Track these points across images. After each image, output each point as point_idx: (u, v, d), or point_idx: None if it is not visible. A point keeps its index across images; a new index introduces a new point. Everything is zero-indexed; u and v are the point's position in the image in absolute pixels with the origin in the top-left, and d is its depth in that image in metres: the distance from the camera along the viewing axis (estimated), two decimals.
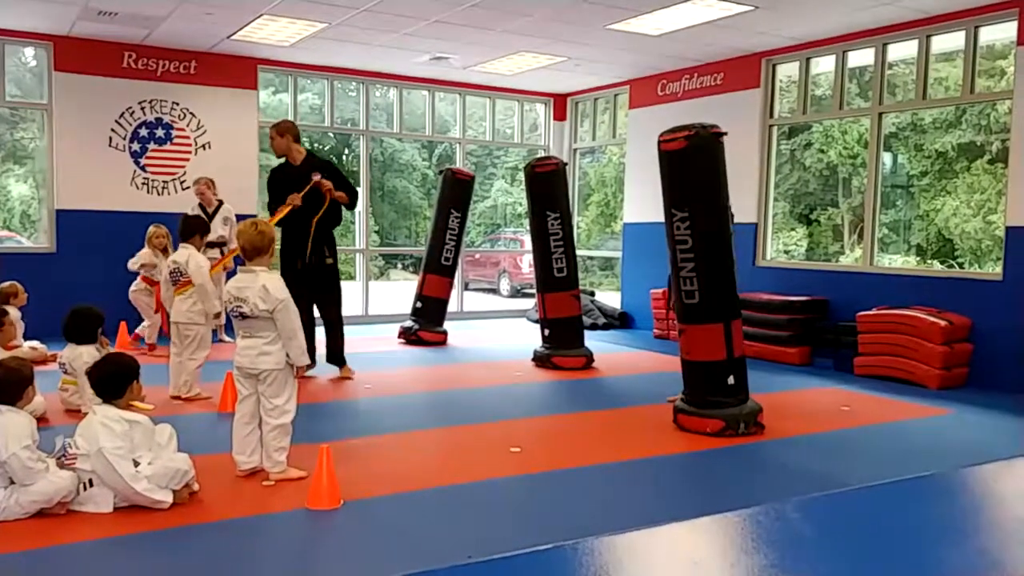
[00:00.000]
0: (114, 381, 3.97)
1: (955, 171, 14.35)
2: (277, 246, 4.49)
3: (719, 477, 4.52)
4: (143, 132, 9.46)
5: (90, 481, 3.69)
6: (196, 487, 3.89)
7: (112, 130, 9.31)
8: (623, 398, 6.41)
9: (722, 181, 5.42)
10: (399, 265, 23.34)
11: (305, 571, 3.24)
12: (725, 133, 5.41)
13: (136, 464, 3.73)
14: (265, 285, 4.06)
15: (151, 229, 8.26)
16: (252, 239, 4.18)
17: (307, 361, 4.24)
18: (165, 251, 7.96)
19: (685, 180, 5.34)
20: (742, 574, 1.58)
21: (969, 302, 7.26)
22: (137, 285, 8.26)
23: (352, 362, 7.72)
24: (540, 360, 7.83)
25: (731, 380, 5.27)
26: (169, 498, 3.73)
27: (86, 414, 4.07)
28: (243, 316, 4.12)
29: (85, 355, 5.51)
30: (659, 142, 5.48)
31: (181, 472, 3.79)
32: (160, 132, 9.55)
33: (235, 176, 9.88)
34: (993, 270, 7.91)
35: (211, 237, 7.88)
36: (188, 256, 6.12)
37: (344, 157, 23.49)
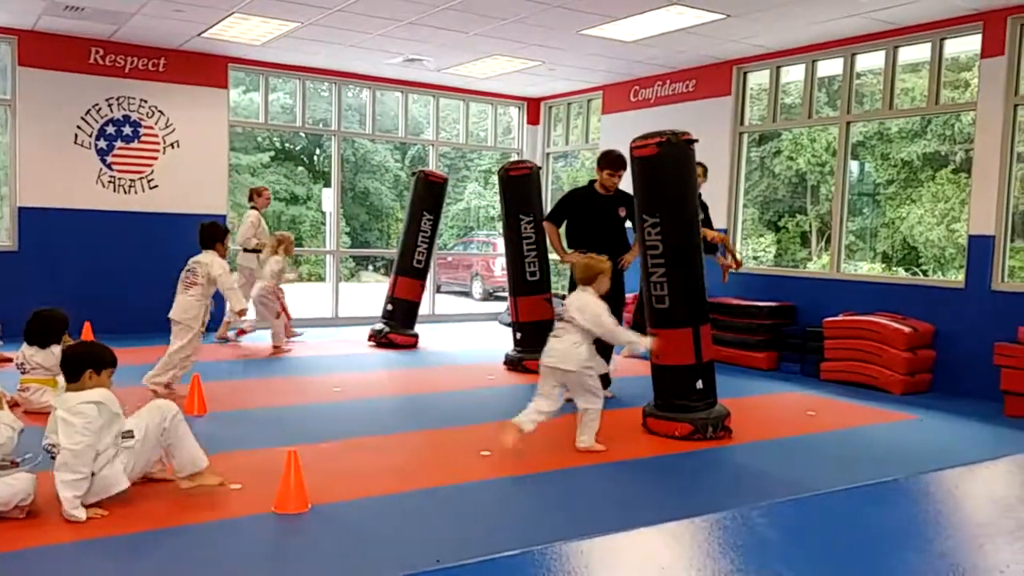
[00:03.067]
0: (72, 364, 3.85)
1: (920, 180, 14.59)
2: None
3: (686, 482, 4.55)
4: (110, 129, 9.34)
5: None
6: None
7: (78, 127, 9.18)
8: None
9: (692, 187, 5.47)
10: (370, 267, 23.25)
11: (270, 575, 3.22)
12: (696, 140, 5.46)
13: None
14: (586, 303, 4.92)
15: (284, 235, 8.81)
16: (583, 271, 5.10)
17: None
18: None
19: (656, 186, 5.38)
20: None
21: (932, 309, 7.38)
22: (265, 288, 8.49)
23: (321, 365, 7.69)
24: (512, 363, 7.83)
25: (699, 384, 5.32)
26: (83, 516, 3.58)
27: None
28: (563, 319, 4.96)
29: (39, 356, 5.46)
30: (631, 148, 5.51)
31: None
32: (128, 130, 9.43)
33: (204, 176, 9.80)
34: (956, 278, 8.05)
35: (251, 244, 9.03)
36: (212, 260, 6.25)
37: (315, 158, 23.37)
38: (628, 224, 6.64)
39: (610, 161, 6.57)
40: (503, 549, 2.54)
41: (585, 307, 4.91)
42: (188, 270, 6.27)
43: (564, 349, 4.89)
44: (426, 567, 3.13)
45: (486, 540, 3.49)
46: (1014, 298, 6.86)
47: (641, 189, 5.50)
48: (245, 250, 9.16)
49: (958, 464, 4.75)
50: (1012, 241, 7.39)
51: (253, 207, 9.34)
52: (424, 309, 10.31)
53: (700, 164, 8.44)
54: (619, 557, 1.64)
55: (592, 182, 6.74)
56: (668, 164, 5.34)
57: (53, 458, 3.72)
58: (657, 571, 1.58)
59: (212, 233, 6.38)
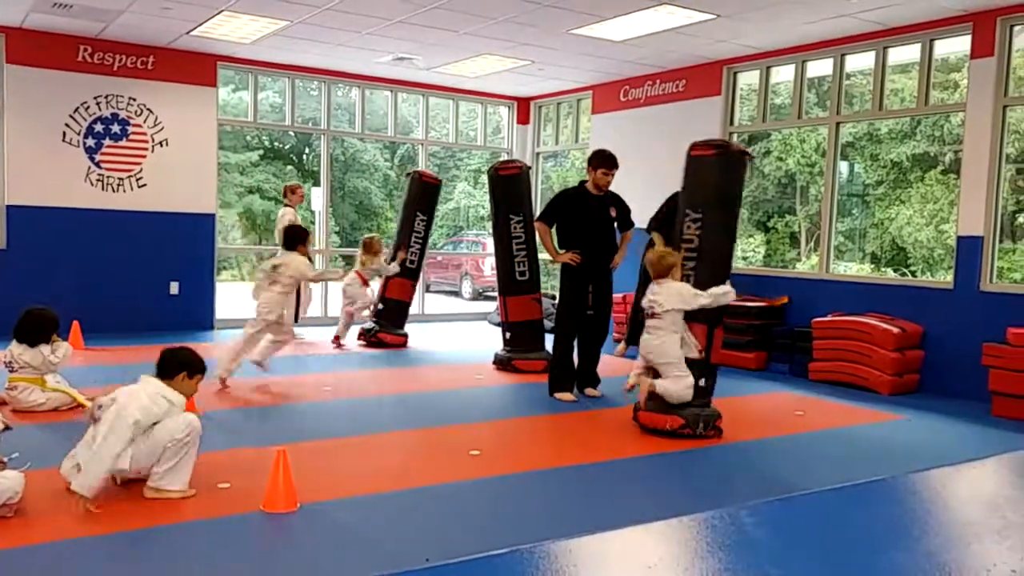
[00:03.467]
0: (171, 363, 4.15)
1: (909, 181, 14.65)
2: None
3: (675, 480, 4.55)
4: (98, 128, 9.29)
5: None
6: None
7: (66, 125, 9.12)
8: (582, 401, 6.43)
9: (736, 195, 5.65)
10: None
11: (259, 574, 3.20)
12: (752, 156, 5.65)
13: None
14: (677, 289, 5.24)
15: (373, 238, 9.27)
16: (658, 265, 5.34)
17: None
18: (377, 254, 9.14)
19: (705, 185, 5.53)
20: None
21: (921, 309, 7.41)
22: (353, 279, 8.99)
23: (311, 364, 7.67)
24: (501, 363, 7.82)
25: (702, 383, 5.32)
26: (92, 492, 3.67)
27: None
28: (653, 315, 5.23)
29: (27, 355, 5.43)
30: (690, 149, 5.71)
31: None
32: (116, 128, 9.38)
33: (193, 174, 9.76)
34: (944, 278, 8.09)
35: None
36: (294, 259, 6.61)
37: (305, 156, 23.31)
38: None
39: (603, 160, 6.57)
40: (492, 548, 2.53)
41: (679, 292, 5.21)
42: (273, 268, 6.58)
43: (659, 344, 5.24)
44: (415, 566, 3.12)
45: (475, 539, 3.48)
46: (1003, 299, 6.89)
47: (690, 186, 5.64)
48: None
49: (946, 464, 4.77)
50: (1001, 242, 7.43)
51: (287, 204, 9.57)
52: (414, 308, 10.29)
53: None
54: (607, 556, 1.64)
55: (583, 182, 6.71)
56: (722, 168, 5.52)
57: (95, 416, 3.88)
58: (645, 570, 1.58)
59: (295, 236, 6.81)
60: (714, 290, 5.24)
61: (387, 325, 9.14)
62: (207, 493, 4.00)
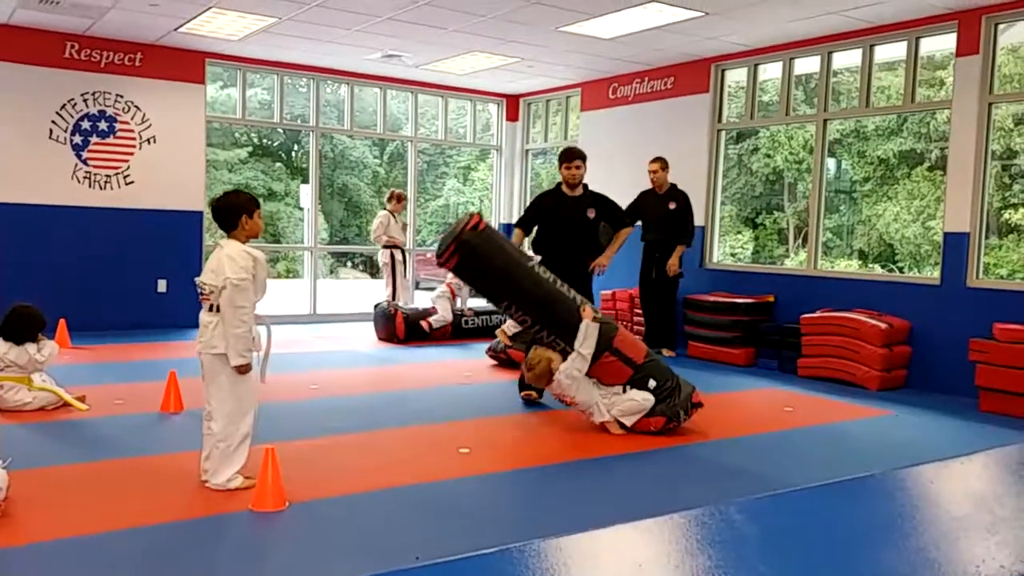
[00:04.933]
0: (227, 213, 4.04)
1: (896, 178, 14.72)
2: None
3: (664, 478, 4.57)
4: (85, 125, 9.23)
5: None
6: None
7: (53, 122, 9.06)
8: None
9: (507, 251, 5.55)
10: (349, 264, 23.14)
11: (249, 572, 3.19)
12: (480, 224, 5.40)
13: None
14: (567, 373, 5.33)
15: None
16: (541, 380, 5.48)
17: None
18: None
19: (481, 280, 5.57)
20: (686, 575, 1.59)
21: (908, 305, 7.45)
22: (444, 291, 9.63)
23: (299, 362, 7.64)
24: (495, 352, 7.83)
25: (652, 384, 5.31)
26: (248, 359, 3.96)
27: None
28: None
29: (12, 354, 5.40)
30: (441, 264, 5.58)
31: None
32: (103, 125, 9.32)
33: (181, 172, 9.71)
34: (931, 274, 8.14)
35: (401, 239, 10.08)
36: None
37: (293, 154, 23.23)
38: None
39: (562, 155, 6.37)
40: (482, 546, 2.53)
41: (568, 375, 5.30)
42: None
43: (584, 400, 5.37)
44: (405, 564, 3.12)
45: (465, 537, 3.48)
46: (989, 295, 6.94)
47: (475, 286, 5.66)
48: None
49: (934, 459, 4.80)
50: (987, 238, 7.48)
51: (388, 209, 10.10)
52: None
53: (660, 159, 8.54)
54: (597, 554, 1.64)
55: (559, 184, 6.50)
56: (479, 253, 5.34)
57: (200, 296, 3.95)
58: (635, 568, 1.58)
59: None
60: (582, 351, 5.23)
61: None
62: (195, 492, 3.99)
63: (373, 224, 10.21)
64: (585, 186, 6.43)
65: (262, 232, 4.11)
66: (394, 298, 9.85)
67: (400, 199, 10.16)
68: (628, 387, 5.33)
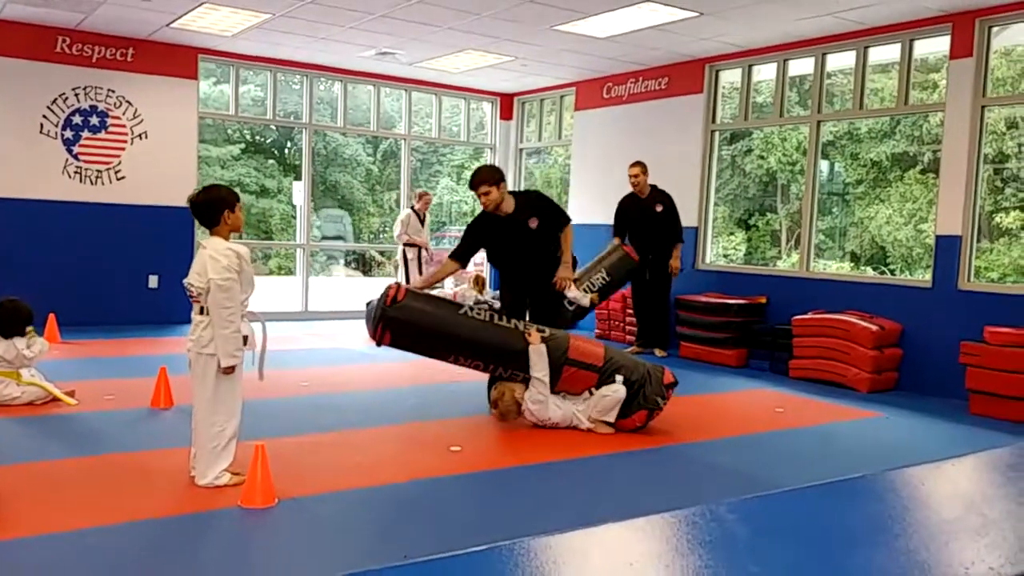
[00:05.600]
0: (207, 210, 3.98)
1: (889, 180, 14.75)
2: None
3: (654, 477, 4.56)
4: (77, 119, 9.18)
5: None
6: None
7: (44, 116, 9.02)
8: None
9: (436, 303, 5.61)
10: (341, 261, 23.08)
11: (237, 569, 3.18)
12: (399, 286, 5.43)
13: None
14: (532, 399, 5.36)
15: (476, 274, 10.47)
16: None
17: None
18: None
19: (423, 340, 5.51)
20: (676, 575, 1.58)
21: (900, 308, 7.47)
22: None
23: (290, 359, 7.62)
24: None
25: (619, 378, 5.31)
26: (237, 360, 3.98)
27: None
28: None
29: (0, 348, 5.37)
30: (377, 342, 5.52)
31: None
32: (95, 120, 9.28)
33: (173, 167, 9.66)
34: (923, 277, 8.16)
35: (423, 239, 10.36)
36: None
37: (286, 151, 23.17)
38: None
39: (470, 183, 5.69)
40: (472, 545, 2.52)
41: (533, 400, 5.33)
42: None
43: (549, 417, 5.38)
44: (393, 562, 3.11)
45: (455, 535, 3.47)
46: (980, 297, 6.96)
47: (423, 351, 5.59)
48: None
49: (924, 461, 4.81)
50: (979, 242, 7.49)
51: (412, 208, 10.43)
52: None
53: (640, 163, 8.48)
54: (587, 553, 1.63)
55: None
56: (406, 330, 5.34)
57: (190, 298, 3.93)
58: (626, 567, 1.57)
59: None
60: (537, 375, 5.25)
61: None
62: (184, 488, 3.97)
63: (396, 221, 10.54)
64: (517, 195, 5.79)
65: (243, 226, 4.06)
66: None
67: (423, 197, 10.54)
68: (595, 388, 5.34)
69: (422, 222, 10.43)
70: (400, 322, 5.29)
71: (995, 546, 1.93)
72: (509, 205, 5.67)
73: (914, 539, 1.93)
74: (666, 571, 1.59)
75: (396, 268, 10.79)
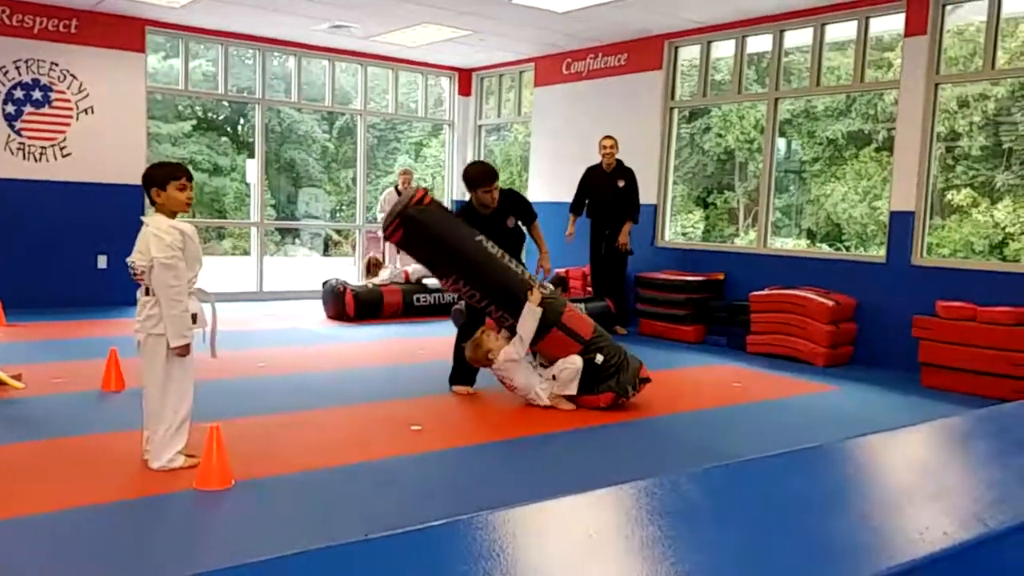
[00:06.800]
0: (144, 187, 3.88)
1: (844, 158, 14.93)
2: None
3: (613, 451, 4.57)
4: (18, 94, 8.88)
5: None
6: None
7: None
8: None
9: (450, 222, 5.48)
10: (297, 240, 22.79)
11: (193, 551, 3.11)
12: (425, 191, 5.37)
13: None
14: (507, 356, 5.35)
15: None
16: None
17: None
18: None
19: (428, 255, 5.49)
20: (636, 545, 1.56)
21: (855, 283, 7.56)
22: None
23: (247, 340, 7.50)
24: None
25: (599, 359, 5.31)
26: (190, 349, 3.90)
27: None
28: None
29: None
30: (387, 239, 5.52)
31: None
32: (37, 94, 8.98)
33: (121, 144, 9.40)
34: (877, 253, 8.27)
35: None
36: None
37: (239, 127, 22.74)
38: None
39: (481, 177, 5.63)
40: (430, 521, 2.49)
41: (507, 357, 5.30)
42: None
43: (523, 383, 5.35)
44: (353, 538, 3.06)
45: (417, 513, 3.44)
46: (932, 273, 7.07)
47: (422, 261, 5.59)
48: None
49: (879, 432, 4.88)
50: (931, 218, 7.60)
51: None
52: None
53: (612, 137, 8.52)
54: (546, 525, 1.60)
55: (469, 202, 5.83)
56: (421, 228, 5.25)
57: (134, 276, 3.84)
58: (584, 538, 1.55)
59: None
60: (522, 335, 5.23)
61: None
62: (137, 471, 3.88)
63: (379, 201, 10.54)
64: (500, 192, 5.80)
65: (188, 205, 3.88)
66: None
67: (403, 175, 10.36)
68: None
69: None
70: (417, 223, 5.20)
71: (949, 512, 1.94)
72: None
73: (870, 506, 1.94)
74: (625, 541, 1.57)
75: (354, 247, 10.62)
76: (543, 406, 5.32)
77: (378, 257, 10.15)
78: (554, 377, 5.34)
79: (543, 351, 5.41)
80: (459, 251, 5.29)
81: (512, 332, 5.34)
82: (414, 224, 5.21)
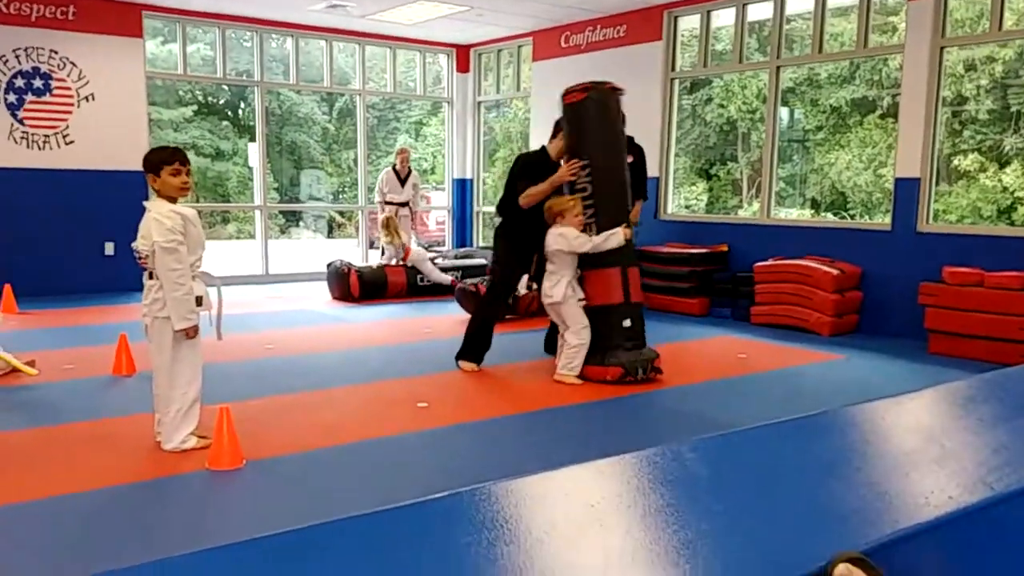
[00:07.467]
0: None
1: (848, 126, 14.82)
2: None
3: (618, 425, 4.60)
4: (19, 82, 8.87)
5: None
6: None
7: None
8: (528, 352, 6.42)
9: (617, 132, 5.68)
10: (301, 223, 22.79)
11: (207, 529, 3.15)
12: (622, 90, 5.67)
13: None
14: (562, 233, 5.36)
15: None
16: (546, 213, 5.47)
17: None
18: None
19: (583, 131, 5.53)
20: (639, 514, 1.58)
21: (860, 252, 7.54)
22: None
23: (253, 322, 7.54)
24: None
25: (627, 323, 5.37)
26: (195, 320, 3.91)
27: None
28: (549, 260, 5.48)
29: None
30: (563, 97, 5.65)
31: None
32: (38, 83, 8.97)
33: (123, 130, 9.39)
34: (883, 221, 8.23)
35: (400, 199, 9.95)
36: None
37: (240, 111, 22.68)
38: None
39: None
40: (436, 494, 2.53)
41: (563, 236, 5.33)
42: None
43: (551, 286, 5.40)
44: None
45: (423, 488, 3.46)
46: (938, 239, 7.04)
47: (571, 134, 5.59)
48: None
49: (883, 397, 4.88)
50: (937, 184, 7.56)
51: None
52: (360, 263, 10.15)
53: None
54: (548, 496, 1.62)
55: (544, 148, 5.88)
56: (593, 111, 5.49)
57: (139, 261, 3.87)
58: (587, 508, 1.56)
59: None
60: (596, 239, 5.32)
61: None
62: (150, 453, 3.91)
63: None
64: None
65: (183, 190, 3.86)
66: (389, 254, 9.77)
67: (400, 154, 10.19)
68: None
69: (402, 181, 10.04)
70: (600, 105, 5.50)
71: (954, 476, 1.95)
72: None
73: (875, 471, 1.94)
74: (628, 511, 1.58)
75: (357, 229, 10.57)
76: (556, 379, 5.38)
77: (395, 218, 10.05)
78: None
79: (591, 282, 5.47)
80: (611, 146, 5.56)
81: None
82: (597, 103, 5.47)
